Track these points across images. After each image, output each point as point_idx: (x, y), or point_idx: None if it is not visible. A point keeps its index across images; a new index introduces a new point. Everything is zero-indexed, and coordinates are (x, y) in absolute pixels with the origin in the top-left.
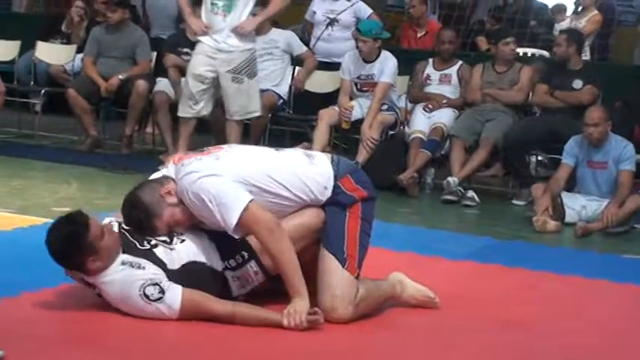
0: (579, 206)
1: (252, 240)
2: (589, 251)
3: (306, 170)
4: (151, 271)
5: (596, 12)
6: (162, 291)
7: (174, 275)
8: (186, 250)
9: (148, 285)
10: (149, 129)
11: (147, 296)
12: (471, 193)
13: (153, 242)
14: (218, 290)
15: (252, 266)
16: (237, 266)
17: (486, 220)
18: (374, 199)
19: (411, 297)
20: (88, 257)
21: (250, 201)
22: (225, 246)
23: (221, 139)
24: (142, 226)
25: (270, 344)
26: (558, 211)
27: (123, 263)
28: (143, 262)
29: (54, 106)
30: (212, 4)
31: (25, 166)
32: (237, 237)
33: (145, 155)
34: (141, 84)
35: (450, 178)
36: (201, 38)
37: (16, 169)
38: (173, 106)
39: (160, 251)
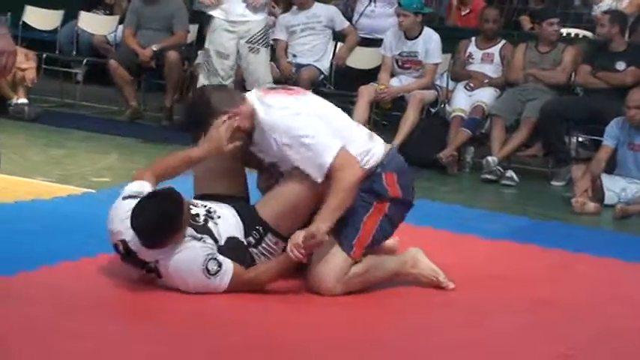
0: (619, 188)
1: (262, 212)
2: (628, 234)
3: (366, 143)
4: (210, 244)
5: None
6: (219, 264)
7: (221, 250)
8: (224, 226)
9: (210, 259)
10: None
11: (208, 270)
12: (510, 173)
13: (202, 217)
14: (248, 266)
15: (270, 239)
16: (256, 243)
17: (525, 200)
18: (407, 205)
19: (420, 274)
20: (175, 235)
21: (342, 146)
22: (244, 222)
23: None
24: (197, 120)
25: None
26: (598, 192)
27: (187, 236)
28: (204, 235)
29: (95, 76)
30: None
31: (66, 135)
32: (319, 179)
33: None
34: (172, 54)
35: (489, 157)
36: (213, 13)
37: (56, 139)
38: None
39: (212, 226)
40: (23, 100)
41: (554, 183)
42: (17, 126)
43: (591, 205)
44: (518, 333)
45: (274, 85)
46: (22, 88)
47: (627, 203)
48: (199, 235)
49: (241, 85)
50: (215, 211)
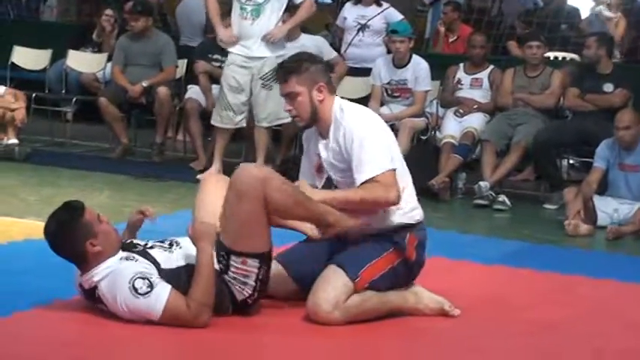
0: (611, 209)
1: (222, 238)
2: (621, 254)
3: (413, 195)
4: (143, 264)
5: (619, 14)
6: (150, 285)
7: (167, 274)
8: (183, 255)
9: (138, 278)
10: (180, 136)
11: (135, 289)
12: (502, 198)
13: (150, 245)
14: (220, 291)
15: (235, 260)
16: (225, 268)
17: (518, 224)
18: (412, 273)
19: (425, 307)
20: (86, 240)
21: (395, 169)
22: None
23: (252, 146)
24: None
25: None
26: (590, 214)
27: (120, 258)
28: (137, 257)
29: (85, 114)
30: (241, 8)
31: (57, 174)
32: (358, 182)
33: (176, 163)
34: (162, 90)
35: (481, 183)
36: (231, 49)
37: (47, 177)
38: (204, 113)
39: (155, 252)
40: (13, 141)
41: (546, 206)
42: (8, 166)
43: (584, 227)
44: (522, 357)
45: None
46: (12, 128)
47: (620, 224)
48: (133, 256)
49: (252, 121)
50: (177, 242)
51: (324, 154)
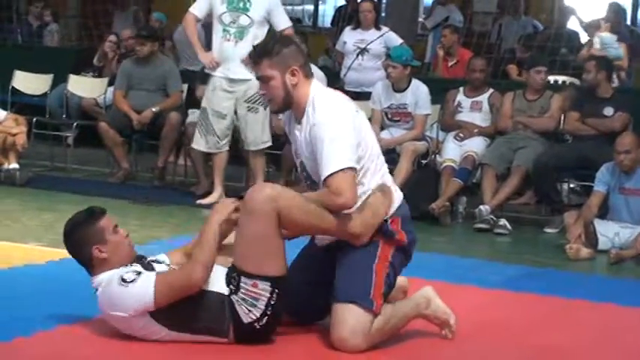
0: (612, 233)
1: (234, 260)
2: (623, 278)
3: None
4: (138, 268)
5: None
6: (138, 273)
7: None
8: None
9: (127, 272)
10: (181, 160)
11: (124, 280)
12: (503, 222)
13: (155, 259)
14: (217, 313)
15: (245, 282)
16: (236, 289)
17: (519, 248)
18: (408, 253)
19: (432, 314)
20: (94, 244)
21: (352, 167)
22: (227, 274)
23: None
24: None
25: None
26: (591, 238)
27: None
28: (139, 267)
29: (86, 139)
30: (224, 30)
31: (57, 199)
32: (322, 179)
33: (176, 187)
34: (174, 116)
35: (482, 207)
36: (215, 73)
37: (48, 202)
38: None
39: (159, 267)
40: (14, 165)
41: (547, 230)
42: (9, 191)
43: (585, 251)
44: None
45: None
46: (13, 153)
47: (621, 248)
48: (133, 267)
49: (236, 145)
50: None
51: (298, 139)
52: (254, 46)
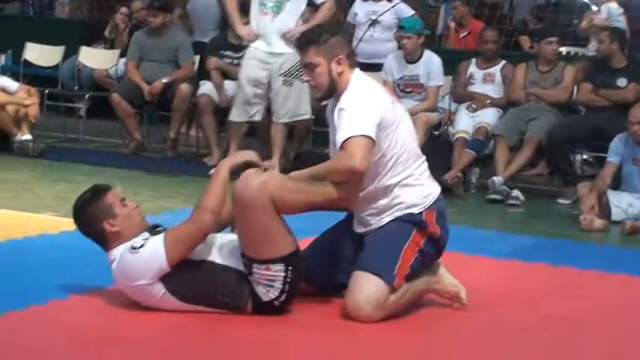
0: (626, 204)
1: (241, 246)
2: (636, 249)
3: (422, 177)
4: (146, 235)
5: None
6: (146, 239)
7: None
8: (207, 248)
9: (135, 241)
10: (193, 132)
11: (133, 247)
12: (515, 192)
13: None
14: (236, 289)
15: (257, 267)
16: (248, 272)
17: (532, 219)
18: (439, 248)
19: (443, 288)
20: (104, 219)
21: (368, 136)
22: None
23: (266, 142)
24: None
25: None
26: (604, 209)
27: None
28: (145, 234)
29: (98, 111)
30: (261, 4)
31: (70, 170)
32: (337, 145)
33: (189, 158)
34: (184, 87)
35: (494, 178)
36: (253, 44)
37: (61, 174)
38: (217, 109)
39: None
40: (27, 137)
41: (560, 201)
42: (22, 162)
43: (598, 222)
44: (539, 351)
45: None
46: (26, 124)
47: (635, 219)
48: (147, 236)
49: (266, 117)
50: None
51: (331, 123)
52: (302, 34)
